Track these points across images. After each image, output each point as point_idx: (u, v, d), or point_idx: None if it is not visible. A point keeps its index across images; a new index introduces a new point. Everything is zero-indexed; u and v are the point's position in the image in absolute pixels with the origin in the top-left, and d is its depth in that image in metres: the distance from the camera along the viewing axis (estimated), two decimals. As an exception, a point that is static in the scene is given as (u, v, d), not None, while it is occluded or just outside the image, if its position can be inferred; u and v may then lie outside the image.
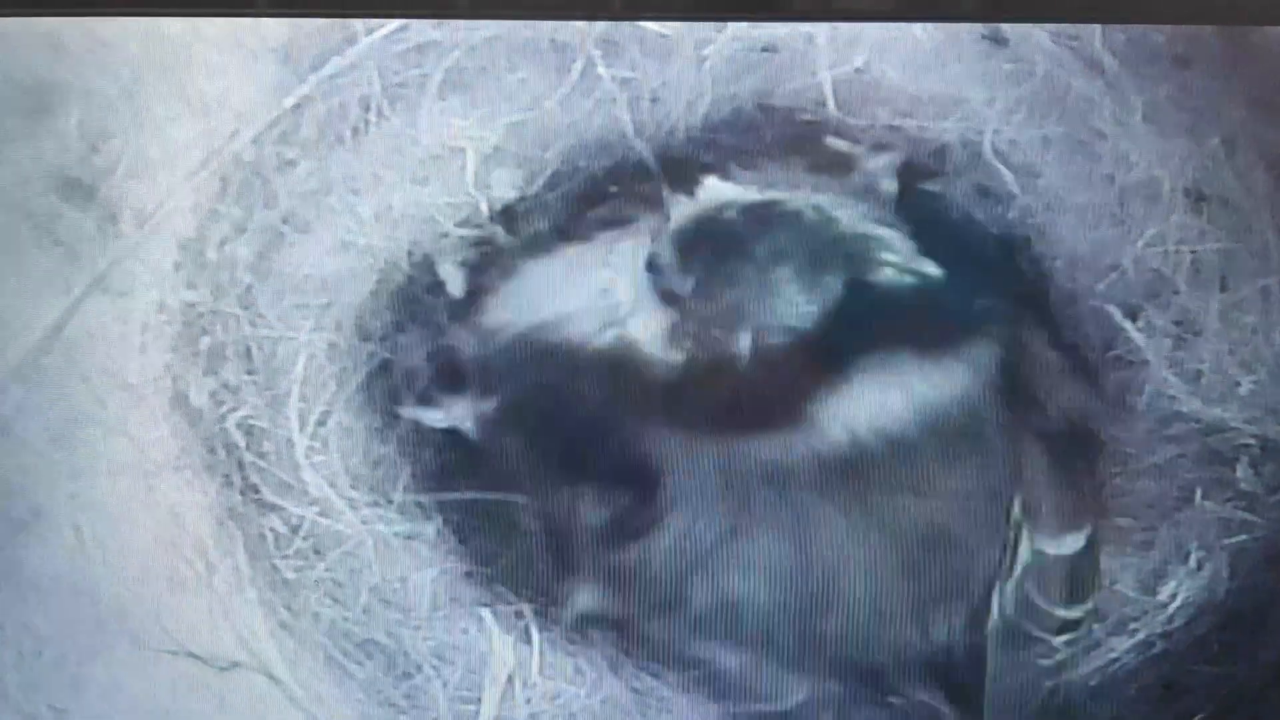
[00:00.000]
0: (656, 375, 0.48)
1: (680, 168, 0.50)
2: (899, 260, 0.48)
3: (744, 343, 0.47)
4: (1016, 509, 0.48)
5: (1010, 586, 0.48)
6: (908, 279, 0.47)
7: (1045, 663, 0.49)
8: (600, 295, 0.49)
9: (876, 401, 0.47)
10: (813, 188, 0.50)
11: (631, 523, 0.49)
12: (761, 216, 0.48)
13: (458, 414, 0.50)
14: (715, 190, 0.49)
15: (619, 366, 0.48)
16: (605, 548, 0.49)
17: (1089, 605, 0.49)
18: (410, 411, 0.51)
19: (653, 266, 0.48)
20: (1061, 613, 0.48)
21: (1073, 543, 0.49)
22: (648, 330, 0.48)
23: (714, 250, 0.48)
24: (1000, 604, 0.48)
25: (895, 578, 0.48)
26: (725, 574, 0.49)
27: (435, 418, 0.50)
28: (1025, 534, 0.48)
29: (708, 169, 0.50)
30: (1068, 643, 0.49)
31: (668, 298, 0.48)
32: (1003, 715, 0.49)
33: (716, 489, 0.48)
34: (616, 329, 0.48)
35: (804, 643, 0.49)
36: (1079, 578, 0.49)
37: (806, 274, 0.47)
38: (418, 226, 0.52)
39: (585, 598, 0.50)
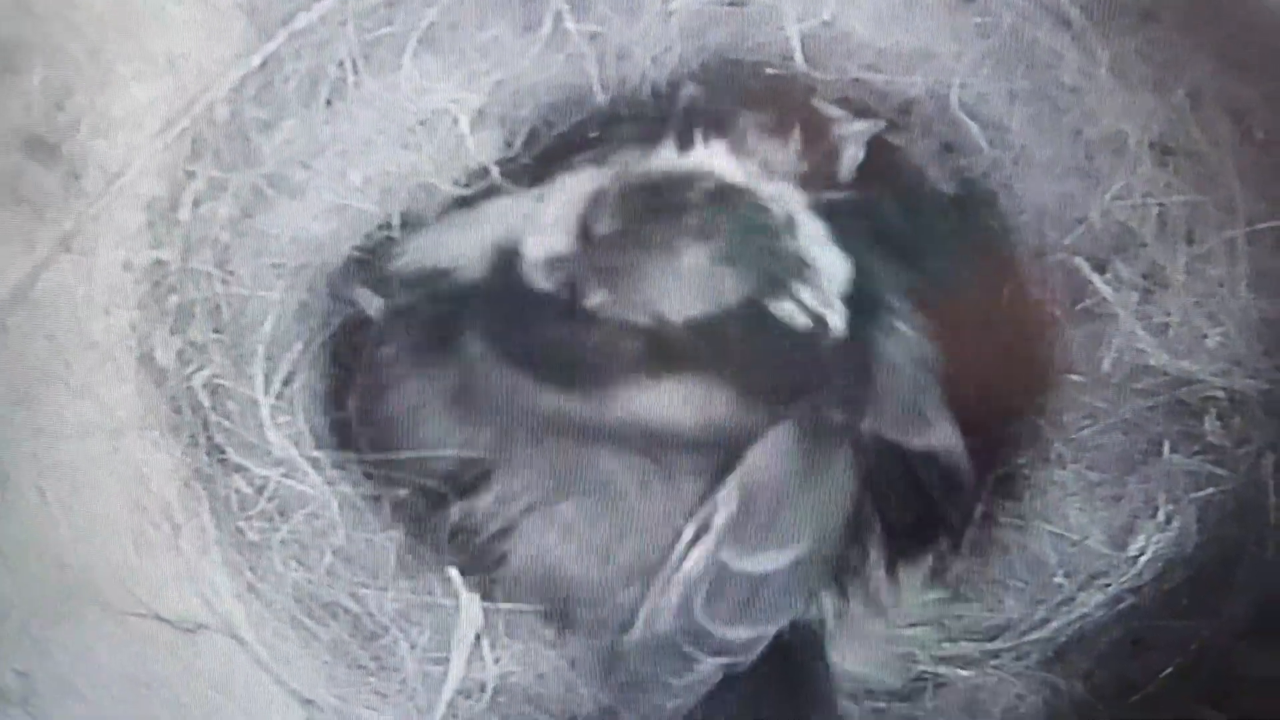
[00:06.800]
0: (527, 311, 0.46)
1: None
2: (810, 301, 0.45)
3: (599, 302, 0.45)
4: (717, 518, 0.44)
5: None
6: (802, 321, 0.44)
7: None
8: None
9: (676, 405, 0.44)
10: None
11: (464, 476, 0.48)
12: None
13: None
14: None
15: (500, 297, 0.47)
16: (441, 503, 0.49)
17: (758, 631, 0.43)
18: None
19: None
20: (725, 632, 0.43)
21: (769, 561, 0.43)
22: (536, 252, 0.46)
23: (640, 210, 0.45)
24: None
25: None
26: (542, 536, 0.47)
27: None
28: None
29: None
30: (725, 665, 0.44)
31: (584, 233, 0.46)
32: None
33: (536, 450, 0.47)
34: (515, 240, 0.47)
35: None
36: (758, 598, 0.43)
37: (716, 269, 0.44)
38: (396, 187, 0.52)
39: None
